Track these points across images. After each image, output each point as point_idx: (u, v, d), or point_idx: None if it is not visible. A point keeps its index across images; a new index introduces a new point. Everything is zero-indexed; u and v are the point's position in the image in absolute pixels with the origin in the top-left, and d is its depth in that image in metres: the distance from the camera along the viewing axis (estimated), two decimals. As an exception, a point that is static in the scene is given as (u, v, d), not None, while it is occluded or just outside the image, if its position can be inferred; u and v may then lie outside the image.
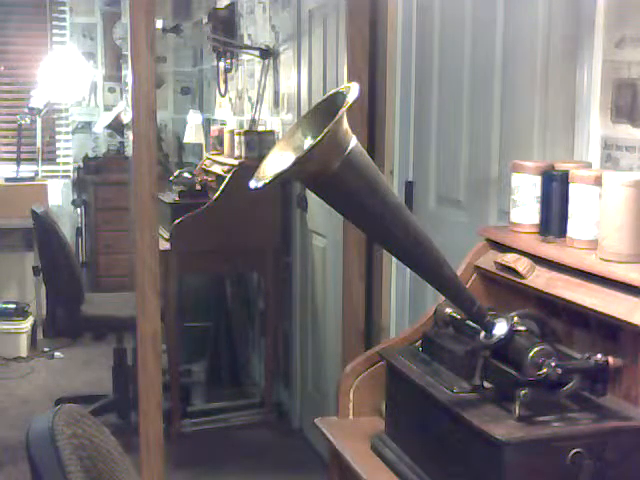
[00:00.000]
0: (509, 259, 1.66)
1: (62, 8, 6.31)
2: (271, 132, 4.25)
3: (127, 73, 5.70)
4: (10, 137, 6.18)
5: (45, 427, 1.08)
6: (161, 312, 2.71)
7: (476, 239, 1.86)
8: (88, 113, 6.53)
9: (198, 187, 4.43)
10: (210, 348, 4.74)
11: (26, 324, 5.50)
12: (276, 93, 4.30)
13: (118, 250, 5.99)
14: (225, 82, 5.10)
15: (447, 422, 1.41)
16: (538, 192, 1.72)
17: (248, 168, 3.82)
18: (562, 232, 1.65)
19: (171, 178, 4.53)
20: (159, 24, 5.14)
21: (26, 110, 5.93)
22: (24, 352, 5.43)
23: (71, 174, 6.39)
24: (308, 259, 3.99)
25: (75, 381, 4.98)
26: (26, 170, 6.06)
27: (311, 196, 3.76)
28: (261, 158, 1.33)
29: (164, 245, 3.84)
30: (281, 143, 1.33)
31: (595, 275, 1.46)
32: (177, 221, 3.93)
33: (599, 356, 1.35)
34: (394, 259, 2.85)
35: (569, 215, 1.62)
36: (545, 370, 1.32)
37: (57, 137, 6.40)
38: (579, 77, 1.89)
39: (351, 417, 1.80)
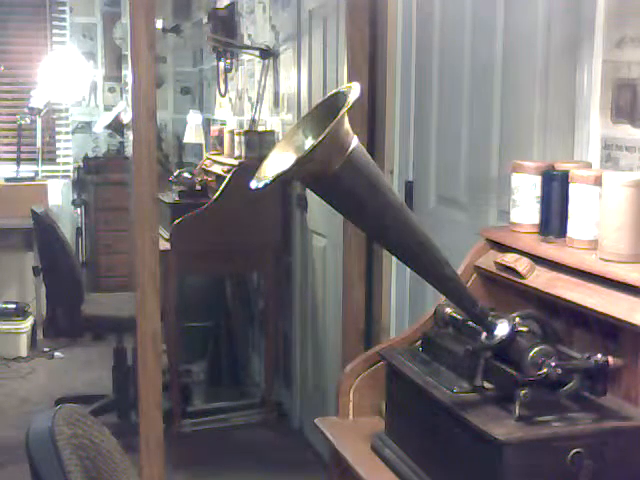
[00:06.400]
0: (509, 259, 1.66)
1: (62, 8, 6.31)
2: (271, 132, 4.26)
3: (127, 73, 5.71)
4: (10, 137, 6.18)
5: (45, 427, 1.08)
6: (161, 312, 2.71)
7: (476, 239, 1.86)
8: (88, 113, 6.53)
9: (198, 187, 4.43)
10: (210, 348, 4.74)
11: (26, 324, 5.50)
12: (276, 93, 4.30)
13: (118, 250, 5.99)
14: (225, 82, 5.10)
15: (447, 422, 1.41)
16: (538, 192, 1.72)
17: (248, 168, 3.82)
18: (562, 232, 1.65)
19: (171, 178, 4.53)
20: (159, 24, 5.15)
21: (26, 110, 5.93)
22: (24, 352, 5.43)
23: (71, 174, 6.39)
24: (308, 259, 3.99)
25: (75, 381, 4.98)
26: (26, 170, 6.07)
27: (311, 196, 3.76)
28: (261, 158, 1.33)
29: (164, 245, 3.84)
30: (282, 143, 1.33)
31: (595, 275, 1.46)
32: (177, 221, 3.93)
33: (599, 356, 1.35)
34: (394, 259, 2.85)
35: (569, 215, 1.62)
36: (545, 370, 1.32)
37: (57, 137, 6.40)
38: (579, 77, 1.89)
39: (351, 417, 1.80)
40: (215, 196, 3.99)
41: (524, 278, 1.61)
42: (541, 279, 1.58)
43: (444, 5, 2.61)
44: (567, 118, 1.96)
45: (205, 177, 4.51)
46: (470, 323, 1.50)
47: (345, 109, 1.21)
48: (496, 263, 1.71)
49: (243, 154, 4.15)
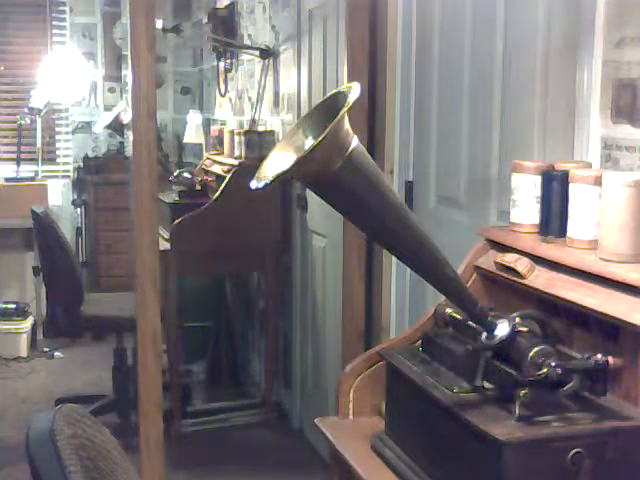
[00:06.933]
0: (509, 259, 1.66)
1: (62, 8, 6.31)
2: (271, 132, 4.26)
3: (127, 73, 5.71)
4: (10, 137, 6.18)
5: (45, 427, 1.08)
6: (161, 312, 2.71)
7: (476, 239, 1.86)
8: (88, 113, 6.53)
9: (198, 187, 4.43)
10: (210, 348, 4.74)
11: (26, 324, 5.50)
12: (276, 93, 4.30)
13: (118, 250, 5.99)
14: (225, 82, 5.10)
15: (447, 422, 1.41)
16: (538, 192, 1.72)
17: (248, 168, 3.82)
18: (562, 232, 1.65)
19: (171, 178, 4.53)
20: (159, 24, 5.14)
21: (26, 110, 5.93)
22: (24, 352, 5.43)
23: (71, 174, 6.39)
24: (308, 259, 3.99)
25: (75, 381, 4.98)
26: (26, 170, 6.06)
27: (311, 196, 3.76)
28: (261, 158, 1.33)
29: (164, 245, 3.84)
30: (282, 143, 1.33)
31: (595, 275, 1.46)
32: (177, 221, 3.93)
33: (599, 356, 1.35)
34: (394, 259, 2.85)
35: (569, 215, 1.62)
36: (545, 370, 1.32)
37: (57, 137, 6.40)
38: (579, 77, 1.89)
39: (351, 417, 1.80)
40: (215, 196, 3.99)
41: (524, 278, 1.61)
42: (541, 279, 1.58)
43: (444, 5, 2.61)
44: (567, 118, 1.96)
45: (205, 177, 4.51)
46: (470, 323, 1.50)
47: (345, 109, 1.21)
48: (496, 263, 1.71)
49: (243, 154, 4.15)
